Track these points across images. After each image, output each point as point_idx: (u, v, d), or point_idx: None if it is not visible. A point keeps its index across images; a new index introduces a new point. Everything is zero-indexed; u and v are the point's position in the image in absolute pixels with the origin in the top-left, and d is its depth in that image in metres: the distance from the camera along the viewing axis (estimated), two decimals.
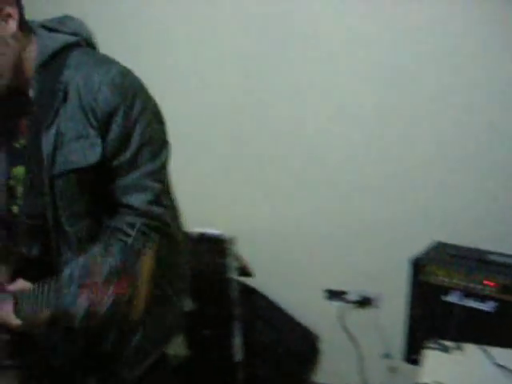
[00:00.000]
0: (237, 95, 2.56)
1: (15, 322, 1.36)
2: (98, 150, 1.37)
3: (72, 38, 1.44)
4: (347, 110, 2.38)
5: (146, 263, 1.28)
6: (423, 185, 2.29)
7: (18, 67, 1.39)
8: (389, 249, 2.34)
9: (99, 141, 1.37)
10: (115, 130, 1.37)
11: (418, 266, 2.06)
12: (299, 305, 2.56)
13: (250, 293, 2.52)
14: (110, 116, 1.36)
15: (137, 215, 1.39)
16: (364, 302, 2.42)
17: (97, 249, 1.38)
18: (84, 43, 1.48)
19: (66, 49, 1.42)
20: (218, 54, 2.58)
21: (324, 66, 2.40)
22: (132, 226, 1.39)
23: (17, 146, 1.45)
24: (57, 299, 1.29)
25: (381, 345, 2.44)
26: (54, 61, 1.40)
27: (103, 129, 1.37)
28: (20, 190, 1.46)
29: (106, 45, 1.56)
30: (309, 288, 2.53)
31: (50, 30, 1.45)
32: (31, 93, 1.39)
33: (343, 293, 2.45)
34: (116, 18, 2.74)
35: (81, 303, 1.23)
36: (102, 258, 1.29)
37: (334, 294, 2.46)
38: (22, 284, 1.41)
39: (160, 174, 1.43)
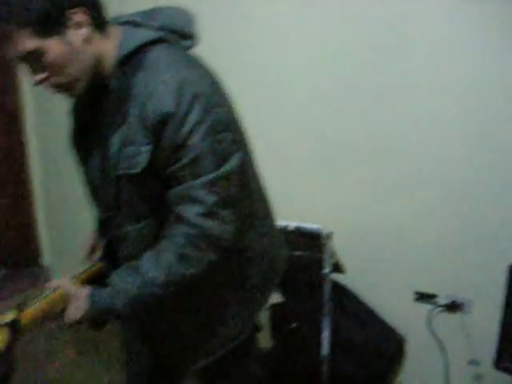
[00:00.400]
0: (338, 92, 2.54)
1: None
2: (145, 158, 1.33)
3: (154, 34, 1.39)
4: (449, 112, 2.32)
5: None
6: None
7: (97, 67, 1.37)
8: (485, 254, 2.30)
9: (148, 148, 1.33)
10: (166, 140, 1.31)
11: None
12: (388, 305, 2.56)
13: (340, 289, 2.55)
14: (160, 125, 1.30)
15: (189, 227, 1.34)
16: (454, 307, 2.40)
17: (146, 258, 1.38)
18: (172, 38, 1.42)
19: (146, 46, 1.37)
20: (323, 50, 2.56)
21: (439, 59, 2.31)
22: (185, 236, 1.35)
23: None
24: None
25: (468, 351, 2.42)
26: (132, 59, 1.36)
27: (155, 137, 1.32)
28: None
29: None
30: (399, 289, 2.53)
31: (136, 24, 1.42)
32: (111, 89, 1.38)
33: (433, 296, 2.44)
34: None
35: None
36: None
37: (424, 297, 2.46)
38: (60, 283, 1.41)
39: (217, 187, 1.33)
